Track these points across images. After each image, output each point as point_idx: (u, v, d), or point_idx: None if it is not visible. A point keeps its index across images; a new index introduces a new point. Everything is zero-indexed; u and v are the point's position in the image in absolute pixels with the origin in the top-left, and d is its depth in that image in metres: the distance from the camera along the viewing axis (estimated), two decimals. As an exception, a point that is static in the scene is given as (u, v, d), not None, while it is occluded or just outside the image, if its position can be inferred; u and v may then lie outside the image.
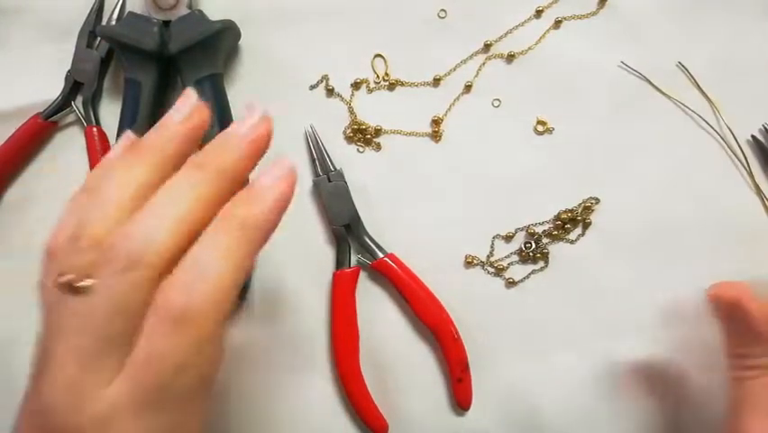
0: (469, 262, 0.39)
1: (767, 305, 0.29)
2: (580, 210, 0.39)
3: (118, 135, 0.37)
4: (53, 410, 0.22)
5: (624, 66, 0.39)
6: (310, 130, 0.39)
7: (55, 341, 0.22)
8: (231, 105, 0.39)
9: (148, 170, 0.25)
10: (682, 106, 0.39)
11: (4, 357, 0.39)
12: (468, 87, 0.40)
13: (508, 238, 0.39)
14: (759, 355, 0.29)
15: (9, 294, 0.39)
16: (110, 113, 0.40)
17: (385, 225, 0.39)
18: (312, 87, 0.40)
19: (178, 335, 0.21)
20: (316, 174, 0.39)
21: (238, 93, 0.40)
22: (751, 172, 0.38)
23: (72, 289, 0.22)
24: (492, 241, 0.39)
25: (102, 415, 0.21)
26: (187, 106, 0.26)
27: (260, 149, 0.25)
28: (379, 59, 0.40)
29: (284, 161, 0.25)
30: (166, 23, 0.37)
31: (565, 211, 0.38)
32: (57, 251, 0.23)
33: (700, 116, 0.38)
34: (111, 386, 0.22)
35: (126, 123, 0.37)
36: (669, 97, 0.39)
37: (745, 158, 0.38)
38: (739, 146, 0.38)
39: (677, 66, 0.39)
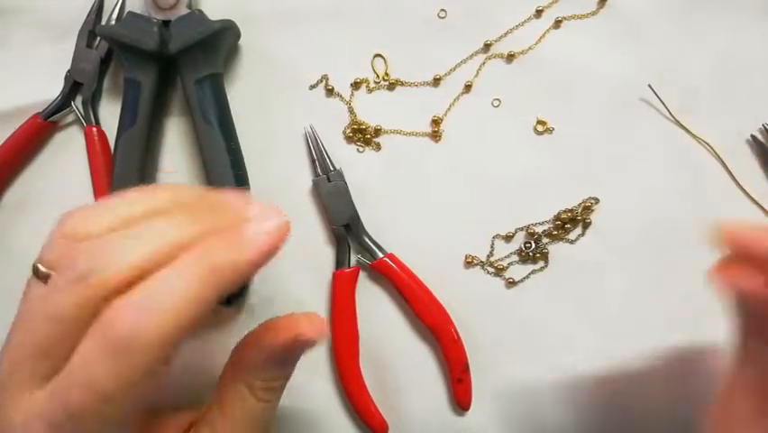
0: (469, 262, 0.39)
1: None
2: (579, 210, 0.39)
3: (118, 135, 0.37)
4: None
5: (650, 88, 0.38)
6: (310, 130, 0.39)
7: (10, 331, 0.22)
8: (231, 105, 0.39)
9: (166, 202, 0.23)
10: (675, 119, 0.39)
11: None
12: (468, 87, 0.40)
13: (508, 238, 0.39)
14: None
15: (9, 294, 0.38)
16: (110, 113, 0.40)
17: (385, 225, 0.39)
18: (312, 87, 0.40)
19: (115, 363, 0.19)
20: (316, 174, 0.39)
21: (238, 93, 0.40)
22: (734, 177, 0.38)
23: (36, 270, 0.21)
24: (492, 241, 0.39)
25: (13, 420, 0.20)
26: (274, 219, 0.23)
27: (263, 255, 0.22)
28: (378, 58, 0.40)
29: (280, 212, 0.23)
30: (166, 23, 0.37)
31: (565, 211, 0.38)
32: (52, 233, 0.22)
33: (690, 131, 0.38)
34: (33, 395, 0.20)
35: (126, 123, 0.37)
36: (667, 110, 0.39)
37: (724, 164, 0.38)
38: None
39: (648, 87, 0.38)
